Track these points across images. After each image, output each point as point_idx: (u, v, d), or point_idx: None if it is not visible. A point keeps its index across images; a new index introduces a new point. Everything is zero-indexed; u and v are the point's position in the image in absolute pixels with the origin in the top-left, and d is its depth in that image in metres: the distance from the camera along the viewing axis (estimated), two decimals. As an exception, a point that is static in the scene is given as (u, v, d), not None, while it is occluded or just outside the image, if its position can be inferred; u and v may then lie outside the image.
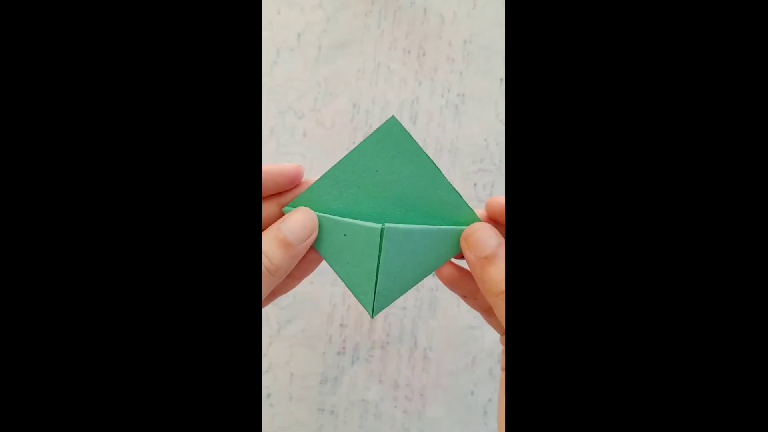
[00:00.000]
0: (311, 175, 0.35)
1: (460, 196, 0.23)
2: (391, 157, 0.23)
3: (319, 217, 0.22)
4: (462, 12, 0.38)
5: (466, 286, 0.23)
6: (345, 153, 0.29)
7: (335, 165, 0.23)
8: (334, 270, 0.23)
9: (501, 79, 0.38)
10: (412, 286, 0.23)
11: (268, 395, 0.38)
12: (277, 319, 0.37)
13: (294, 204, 0.23)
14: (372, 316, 0.23)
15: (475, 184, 0.38)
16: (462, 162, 0.38)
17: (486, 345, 0.38)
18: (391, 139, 0.23)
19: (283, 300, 0.37)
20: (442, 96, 0.38)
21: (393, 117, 0.23)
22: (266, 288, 0.20)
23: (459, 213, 0.23)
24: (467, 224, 0.23)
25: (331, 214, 0.22)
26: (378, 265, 0.22)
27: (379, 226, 0.22)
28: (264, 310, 0.37)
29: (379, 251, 0.22)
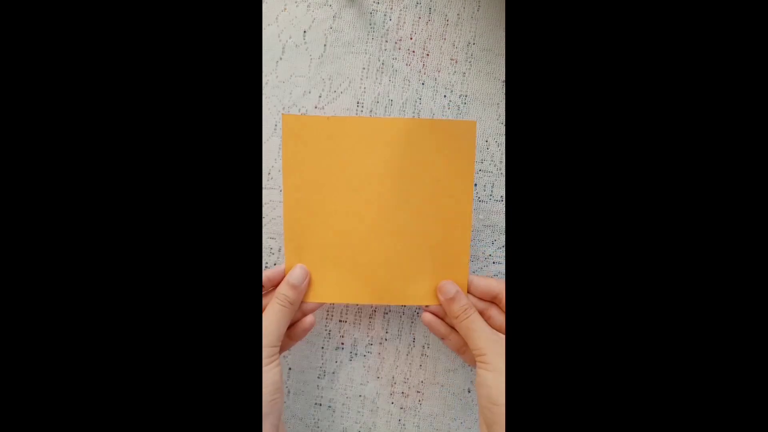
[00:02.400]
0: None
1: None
2: None
3: None
4: (466, 14, 0.38)
5: (440, 329, 0.35)
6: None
7: None
8: None
9: (503, 81, 0.38)
10: None
11: (266, 389, 0.38)
12: (277, 314, 0.38)
13: None
14: None
15: (475, 185, 0.38)
16: (463, 162, 0.38)
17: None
18: None
19: (283, 295, 0.38)
20: (445, 96, 0.38)
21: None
22: (288, 315, 0.32)
23: None
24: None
25: None
26: None
27: None
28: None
29: None
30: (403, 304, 0.35)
